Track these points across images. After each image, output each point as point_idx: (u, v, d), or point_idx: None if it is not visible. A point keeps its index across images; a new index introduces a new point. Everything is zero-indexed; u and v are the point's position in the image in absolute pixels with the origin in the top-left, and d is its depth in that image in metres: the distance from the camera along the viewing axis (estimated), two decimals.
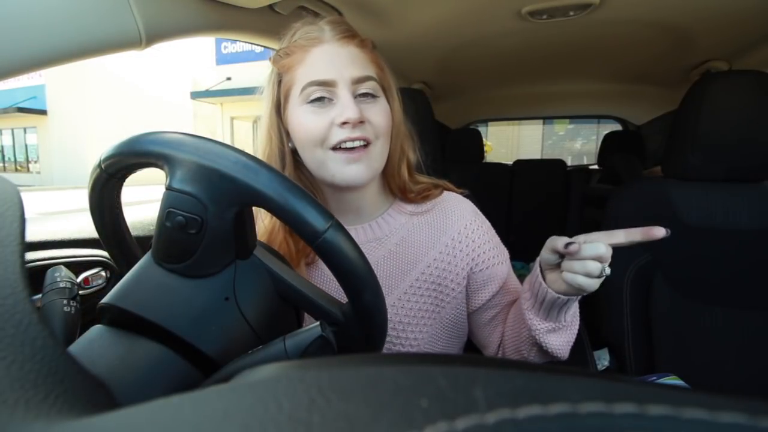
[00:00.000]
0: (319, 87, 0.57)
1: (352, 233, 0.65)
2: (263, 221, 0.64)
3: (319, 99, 0.57)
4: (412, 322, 0.66)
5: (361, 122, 0.57)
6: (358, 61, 0.59)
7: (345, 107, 0.56)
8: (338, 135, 0.57)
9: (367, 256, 0.65)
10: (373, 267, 0.65)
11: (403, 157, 0.67)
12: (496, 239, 0.71)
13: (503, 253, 0.71)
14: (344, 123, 0.56)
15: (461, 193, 0.74)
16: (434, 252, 0.67)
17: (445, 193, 0.72)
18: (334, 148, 0.57)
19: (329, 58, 0.58)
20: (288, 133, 0.63)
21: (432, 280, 0.66)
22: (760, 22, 1.08)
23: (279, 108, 0.62)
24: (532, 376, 0.11)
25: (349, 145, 0.57)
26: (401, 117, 0.67)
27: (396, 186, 0.68)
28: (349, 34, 0.60)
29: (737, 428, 0.09)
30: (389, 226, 0.68)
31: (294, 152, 0.63)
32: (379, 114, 0.59)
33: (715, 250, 0.97)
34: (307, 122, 0.58)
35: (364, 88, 0.59)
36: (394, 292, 0.66)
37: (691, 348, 0.95)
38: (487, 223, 0.72)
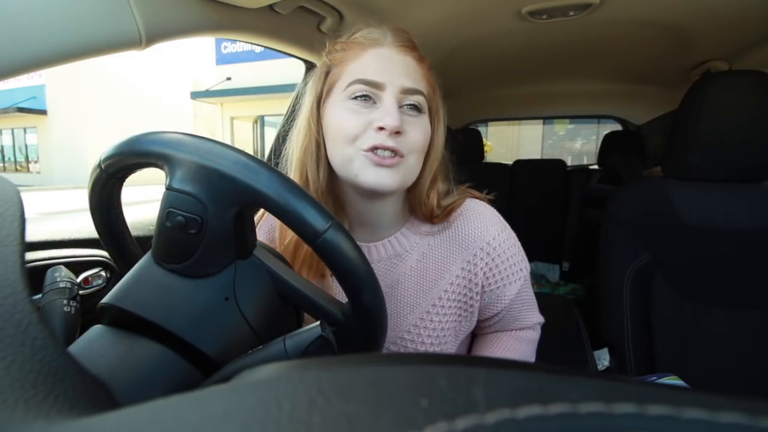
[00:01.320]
0: (366, 86, 0.55)
1: (371, 251, 0.65)
2: (285, 239, 0.62)
3: (363, 97, 0.55)
4: (434, 343, 0.63)
5: (398, 133, 0.54)
6: (412, 73, 0.57)
7: (386, 113, 0.53)
8: (371, 139, 0.54)
9: (388, 272, 0.65)
10: (395, 285, 0.65)
11: (433, 185, 0.63)
12: (517, 256, 0.66)
13: (517, 273, 0.66)
14: (381, 128, 0.53)
15: (486, 199, 0.69)
16: (456, 268, 0.64)
17: (467, 201, 0.66)
18: (365, 150, 0.55)
19: (384, 62, 0.56)
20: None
21: (455, 298, 0.64)
22: (760, 22, 1.08)
23: (320, 101, 0.60)
24: (532, 376, 0.11)
25: (380, 153, 0.54)
26: (442, 144, 0.64)
27: (422, 213, 0.64)
28: (410, 44, 0.59)
29: (737, 428, 0.09)
30: (408, 241, 0.65)
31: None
32: (419, 130, 0.57)
33: (715, 250, 0.96)
34: (343, 118, 0.55)
35: (410, 100, 0.56)
36: (415, 310, 0.63)
37: (691, 348, 0.95)
38: (511, 238, 0.66)
